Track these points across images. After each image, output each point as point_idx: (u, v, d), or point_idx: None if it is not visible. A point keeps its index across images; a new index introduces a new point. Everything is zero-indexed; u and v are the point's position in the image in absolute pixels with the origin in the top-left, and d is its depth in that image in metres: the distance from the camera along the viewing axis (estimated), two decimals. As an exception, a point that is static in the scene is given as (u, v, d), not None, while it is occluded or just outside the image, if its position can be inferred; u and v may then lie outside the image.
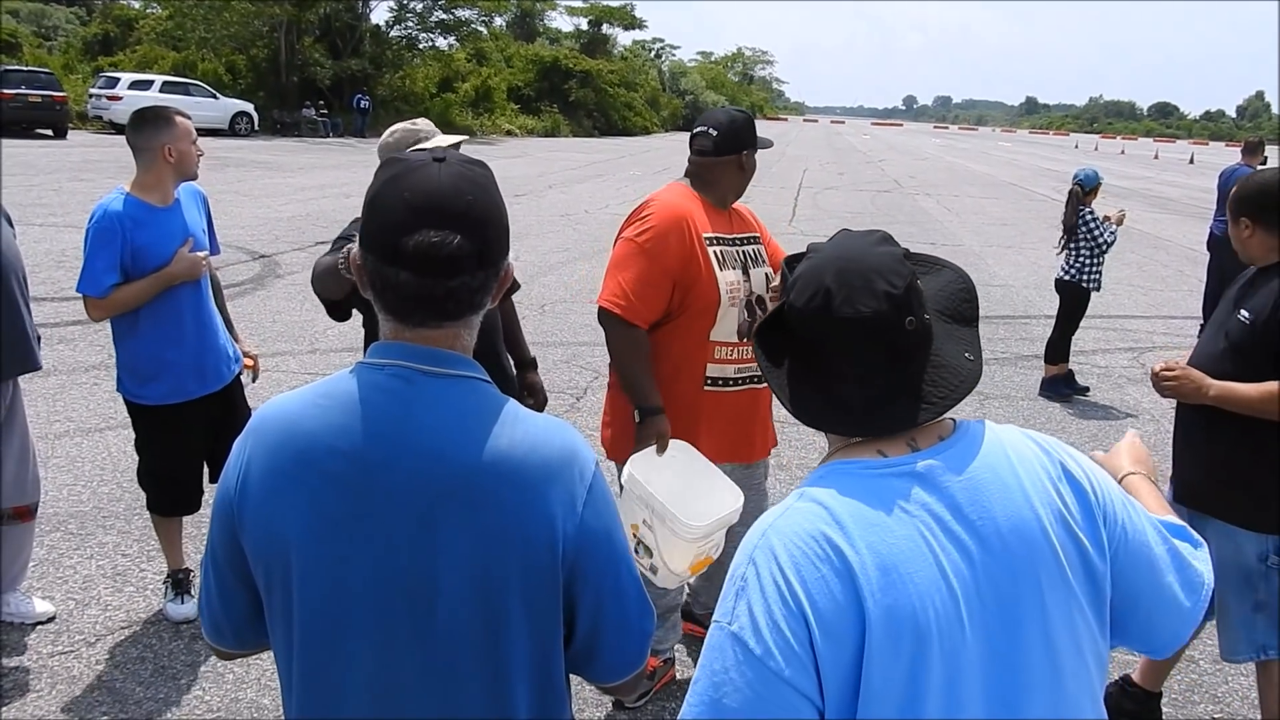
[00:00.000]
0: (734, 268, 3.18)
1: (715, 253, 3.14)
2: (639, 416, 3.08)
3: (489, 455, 1.26)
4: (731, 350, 3.19)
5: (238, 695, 3.34)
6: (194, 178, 3.61)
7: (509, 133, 42.77)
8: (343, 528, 1.26)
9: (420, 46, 45.22)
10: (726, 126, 3.22)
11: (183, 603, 3.78)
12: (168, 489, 3.76)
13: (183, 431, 3.65)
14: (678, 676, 3.52)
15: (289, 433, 1.29)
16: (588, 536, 1.30)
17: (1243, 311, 2.95)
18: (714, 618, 1.21)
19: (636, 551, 2.89)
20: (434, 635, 1.26)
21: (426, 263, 1.24)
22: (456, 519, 1.25)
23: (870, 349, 1.27)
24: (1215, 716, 3.58)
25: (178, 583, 3.81)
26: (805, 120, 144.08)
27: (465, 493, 1.25)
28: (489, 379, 1.35)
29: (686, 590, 3.70)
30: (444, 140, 3.18)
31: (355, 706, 1.31)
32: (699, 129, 3.25)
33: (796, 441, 6.00)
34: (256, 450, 1.30)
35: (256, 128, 32.21)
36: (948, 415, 1.32)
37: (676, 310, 3.12)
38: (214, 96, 30.80)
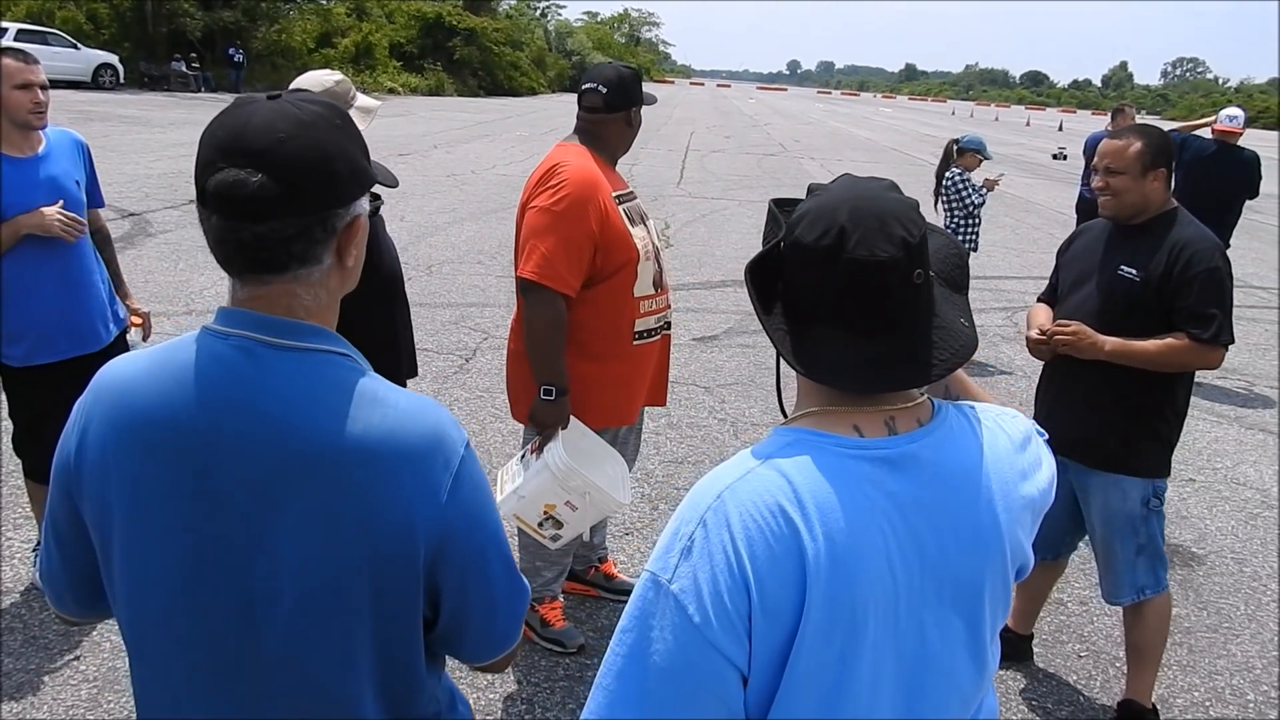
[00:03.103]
0: (638, 222, 3.25)
1: (623, 210, 3.18)
2: (553, 394, 3.06)
3: (339, 438, 1.17)
4: (651, 302, 3.28)
5: (115, 664, 3.22)
6: (31, 126, 3.30)
7: (392, 91, 41.59)
8: (173, 505, 1.19)
9: (297, -1, 43.57)
10: (615, 83, 3.22)
11: (53, 571, 3.61)
12: (45, 455, 3.57)
13: (57, 394, 3.45)
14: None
15: (124, 401, 1.21)
16: (452, 525, 1.22)
17: (1129, 269, 3.01)
18: (650, 568, 1.17)
19: (542, 525, 3.04)
20: (276, 624, 1.20)
21: (227, 204, 1.15)
22: (299, 504, 1.17)
23: (879, 298, 1.18)
24: (1081, 654, 3.79)
25: (47, 550, 3.64)
26: (692, 83, 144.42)
27: (309, 477, 1.17)
28: (349, 352, 1.26)
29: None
30: (368, 104, 3.14)
31: (182, 690, 1.25)
32: (587, 85, 3.24)
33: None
34: (93, 415, 1.23)
35: (122, 80, 30.56)
36: (927, 396, 1.27)
37: (601, 273, 3.12)
38: (75, 47, 29.08)
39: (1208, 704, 3.54)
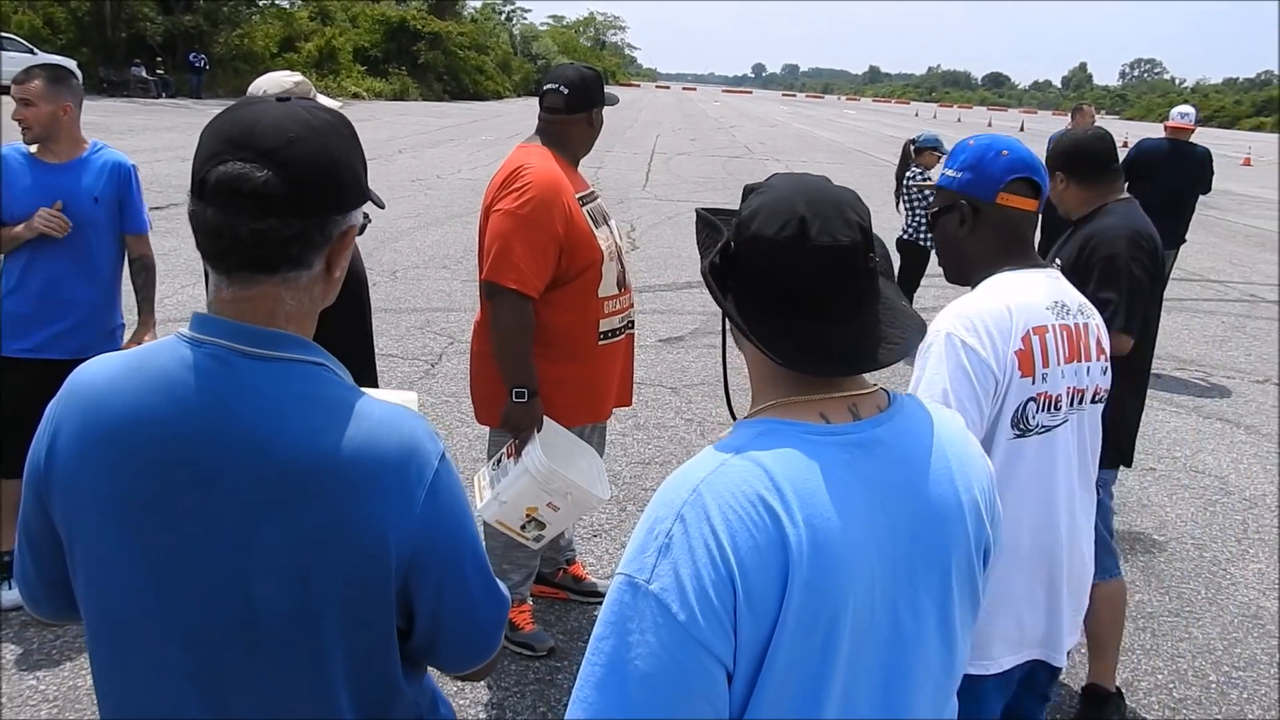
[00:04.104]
0: (601, 223, 3.25)
1: (586, 211, 3.18)
2: (525, 396, 3.05)
3: (313, 451, 1.16)
4: (615, 302, 3.28)
5: (75, 683, 3.18)
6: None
7: (356, 95, 41.33)
8: (150, 516, 1.16)
9: (260, 3, 43.20)
10: (577, 83, 3.22)
11: (11, 588, 3.56)
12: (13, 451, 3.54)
13: (29, 392, 3.45)
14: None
15: (96, 406, 1.19)
16: (425, 537, 1.21)
17: (1056, 261, 3.14)
18: (624, 570, 1.13)
19: (525, 528, 3.06)
20: (249, 636, 1.19)
21: (228, 196, 1.14)
22: (275, 517, 1.16)
23: (844, 282, 1.22)
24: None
25: (4, 566, 3.59)
26: (658, 87, 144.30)
27: (285, 490, 1.15)
28: (326, 362, 1.24)
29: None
30: (327, 104, 3.12)
31: (159, 702, 1.23)
32: (549, 86, 3.24)
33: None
34: (65, 419, 1.21)
35: (80, 86, 30.17)
36: (881, 386, 1.29)
37: (566, 275, 3.12)
38: (31, 52, 28.56)
39: (1171, 686, 3.59)
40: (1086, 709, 3.28)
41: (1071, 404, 2.08)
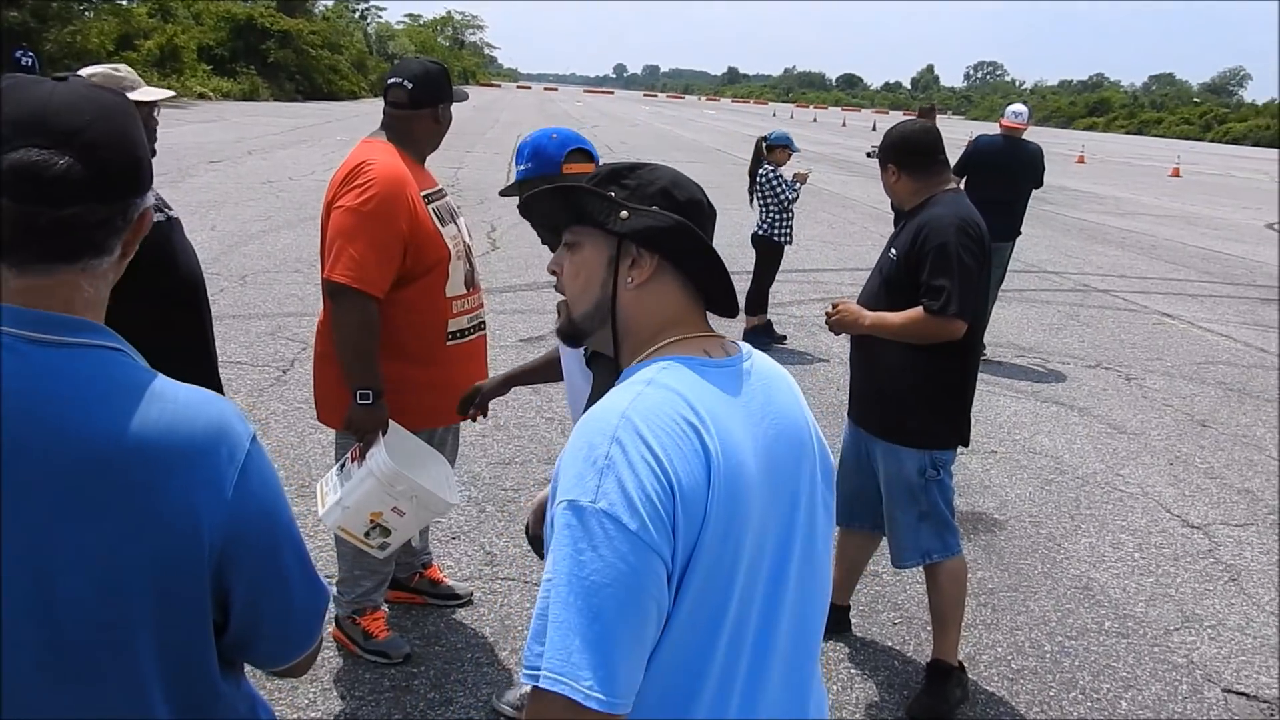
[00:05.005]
0: (448, 221, 3.19)
1: (433, 209, 3.12)
2: (370, 398, 2.97)
3: (115, 437, 1.11)
4: (463, 302, 3.22)
5: None
6: None
7: (202, 96, 39.65)
8: None
9: (93, -1, 41.02)
10: (422, 78, 3.15)
11: None
12: None
13: None
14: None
15: None
16: (240, 522, 1.17)
17: (892, 250, 3.26)
18: (566, 497, 1.20)
19: (369, 535, 2.94)
20: (56, 638, 1.12)
21: (28, 186, 1.08)
22: (79, 512, 1.10)
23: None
24: (896, 621, 3.98)
25: None
26: (519, 87, 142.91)
27: (87, 482, 1.10)
28: (122, 347, 1.19)
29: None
30: (152, 94, 2.96)
31: None
32: (393, 81, 3.16)
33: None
34: None
35: (-108, 86, 28.05)
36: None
37: (410, 274, 3.05)
38: None
39: (1010, 658, 3.77)
40: (930, 684, 3.40)
41: None
